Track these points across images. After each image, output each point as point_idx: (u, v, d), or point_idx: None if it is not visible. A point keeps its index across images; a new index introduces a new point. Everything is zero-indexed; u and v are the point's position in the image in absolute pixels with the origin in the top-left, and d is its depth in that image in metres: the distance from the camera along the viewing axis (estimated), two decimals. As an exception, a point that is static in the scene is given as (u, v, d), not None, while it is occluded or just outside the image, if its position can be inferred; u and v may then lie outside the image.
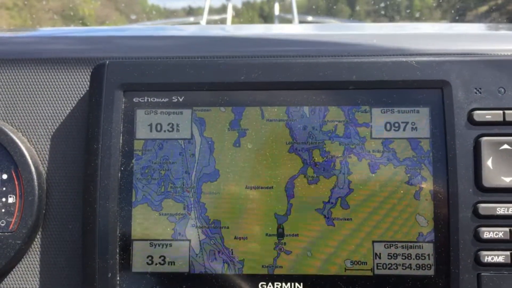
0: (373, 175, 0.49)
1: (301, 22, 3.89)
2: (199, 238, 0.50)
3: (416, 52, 0.53)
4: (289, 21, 4.04)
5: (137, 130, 0.51)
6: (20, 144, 0.53)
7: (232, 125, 0.51)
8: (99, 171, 0.50)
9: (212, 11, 4.31)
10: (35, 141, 0.55)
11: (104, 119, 0.50)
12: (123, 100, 0.51)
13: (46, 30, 0.68)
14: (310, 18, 4.08)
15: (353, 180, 0.50)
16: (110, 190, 0.50)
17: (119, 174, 0.50)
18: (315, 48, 0.54)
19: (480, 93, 0.49)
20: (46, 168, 0.55)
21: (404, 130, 0.50)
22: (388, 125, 0.50)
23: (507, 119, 0.48)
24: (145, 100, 0.51)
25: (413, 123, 0.50)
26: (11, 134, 0.53)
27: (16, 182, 0.53)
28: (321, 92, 0.50)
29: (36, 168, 0.53)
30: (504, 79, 0.49)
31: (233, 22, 4.62)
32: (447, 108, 0.49)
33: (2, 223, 0.52)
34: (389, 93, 0.50)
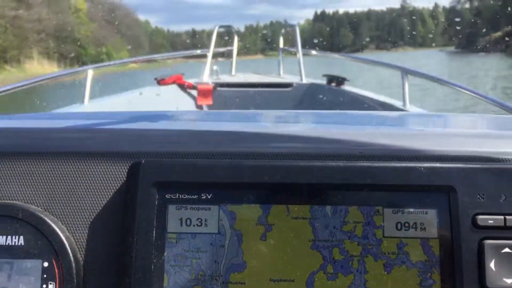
0: (388, 275, 0.54)
1: (304, 55, 4.02)
2: None
3: (424, 154, 0.58)
4: (293, 54, 4.16)
5: (169, 224, 0.56)
6: (60, 234, 0.58)
7: (260, 220, 0.55)
8: (133, 263, 0.54)
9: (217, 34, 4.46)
10: (73, 230, 0.60)
11: (138, 215, 0.55)
12: (157, 197, 0.56)
13: (85, 124, 0.75)
14: (314, 52, 4.21)
15: (369, 279, 0.54)
16: (143, 280, 0.54)
17: (152, 266, 0.55)
18: (332, 146, 0.60)
19: (483, 198, 0.53)
20: (83, 256, 0.59)
21: (414, 230, 0.54)
22: (399, 224, 0.55)
23: (508, 224, 0.52)
24: (177, 197, 0.56)
25: (421, 224, 0.54)
26: (52, 225, 0.58)
27: (56, 270, 0.57)
28: (340, 193, 0.55)
29: (75, 256, 0.58)
30: (504, 187, 0.53)
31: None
32: (453, 212, 0.53)
33: None
34: (400, 196, 0.55)
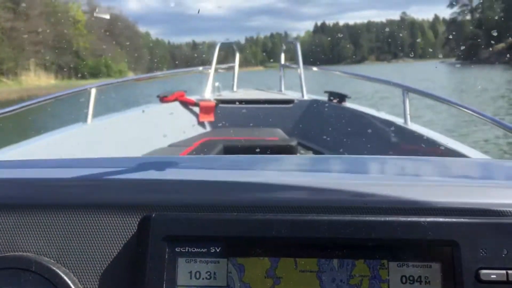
0: None
1: (306, 69, 4.04)
2: None
3: (426, 207, 0.59)
4: (295, 69, 4.21)
5: (179, 277, 0.57)
6: (72, 286, 0.59)
7: (268, 273, 0.56)
8: None
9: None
10: (85, 282, 0.61)
11: (149, 268, 0.56)
12: (167, 250, 0.57)
13: (95, 173, 0.75)
14: (315, 69, 4.23)
15: None
16: None
17: None
18: (338, 197, 0.61)
19: (486, 253, 0.54)
20: None
21: (418, 283, 0.55)
22: (403, 278, 0.55)
23: (510, 279, 0.53)
24: (186, 250, 0.57)
25: (426, 277, 0.55)
26: (64, 277, 0.59)
27: None
28: (347, 247, 0.56)
29: None
30: (507, 242, 0.54)
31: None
32: (456, 266, 0.54)
33: None
34: (404, 250, 0.55)
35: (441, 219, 0.56)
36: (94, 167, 0.79)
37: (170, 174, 0.73)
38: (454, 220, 0.56)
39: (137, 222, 0.60)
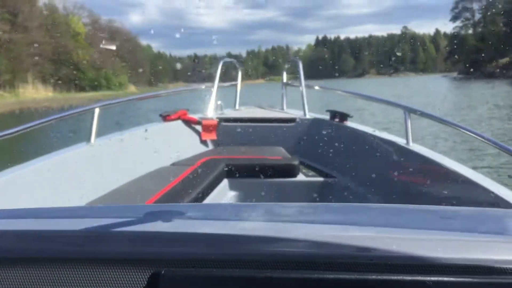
0: None
1: (308, 88, 4.06)
2: None
3: (431, 263, 0.59)
4: (296, 87, 4.19)
5: None
6: None
7: None
8: None
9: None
10: None
11: None
12: None
13: (100, 225, 0.74)
14: (317, 87, 4.27)
15: None
16: None
17: None
18: (342, 251, 0.62)
19: None
20: None
21: None
22: None
23: None
24: None
25: None
26: None
27: None
28: None
29: None
30: None
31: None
32: None
33: None
34: None
35: (445, 278, 0.56)
36: (101, 217, 0.78)
37: (177, 226, 0.73)
38: (457, 279, 0.56)
39: (145, 278, 0.60)
